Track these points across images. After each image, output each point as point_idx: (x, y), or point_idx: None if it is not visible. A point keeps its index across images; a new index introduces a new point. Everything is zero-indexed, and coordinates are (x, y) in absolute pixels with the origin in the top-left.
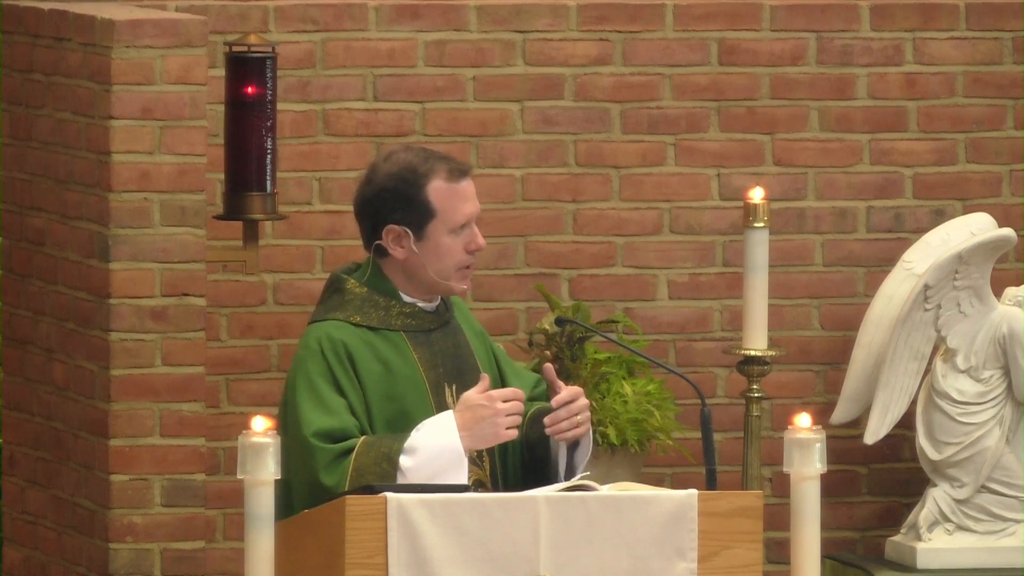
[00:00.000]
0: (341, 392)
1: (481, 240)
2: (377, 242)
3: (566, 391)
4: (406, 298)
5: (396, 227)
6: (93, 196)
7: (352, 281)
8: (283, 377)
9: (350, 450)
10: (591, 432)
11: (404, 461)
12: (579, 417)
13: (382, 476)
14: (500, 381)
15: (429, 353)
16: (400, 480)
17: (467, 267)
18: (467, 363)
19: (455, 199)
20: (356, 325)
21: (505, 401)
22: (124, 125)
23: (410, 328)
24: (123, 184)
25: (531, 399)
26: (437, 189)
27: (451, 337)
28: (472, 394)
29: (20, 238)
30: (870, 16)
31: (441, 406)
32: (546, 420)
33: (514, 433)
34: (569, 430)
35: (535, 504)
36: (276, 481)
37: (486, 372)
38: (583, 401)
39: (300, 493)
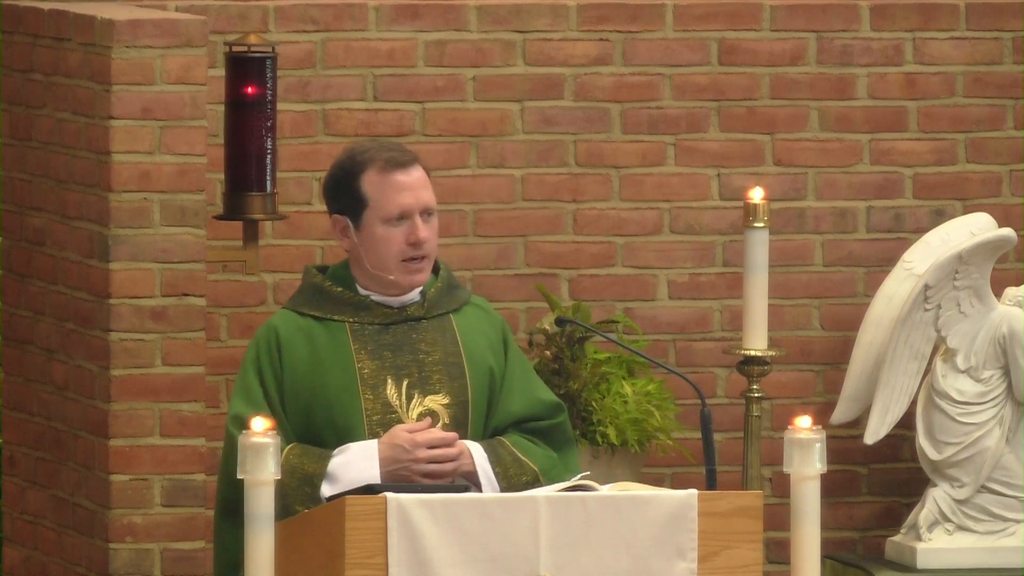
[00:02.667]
0: (262, 380)
1: (422, 232)
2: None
3: (440, 436)
4: (362, 291)
5: (340, 217)
6: (93, 196)
7: (315, 272)
8: None
9: None
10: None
11: (325, 489)
12: (449, 467)
13: (304, 500)
14: (491, 395)
15: (374, 345)
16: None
17: (412, 259)
18: (439, 362)
19: (388, 189)
20: (302, 315)
21: (432, 448)
22: (124, 125)
23: (359, 319)
24: (123, 184)
25: (524, 420)
26: (370, 179)
27: (423, 333)
28: (401, 432)
29: (20, 238)
30: (870, 16)
31: (377, 399)
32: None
33: (429, 482)
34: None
35: (535, 504)
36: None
37: (479, 378)
38: (457, 446)
39: (222, 470)
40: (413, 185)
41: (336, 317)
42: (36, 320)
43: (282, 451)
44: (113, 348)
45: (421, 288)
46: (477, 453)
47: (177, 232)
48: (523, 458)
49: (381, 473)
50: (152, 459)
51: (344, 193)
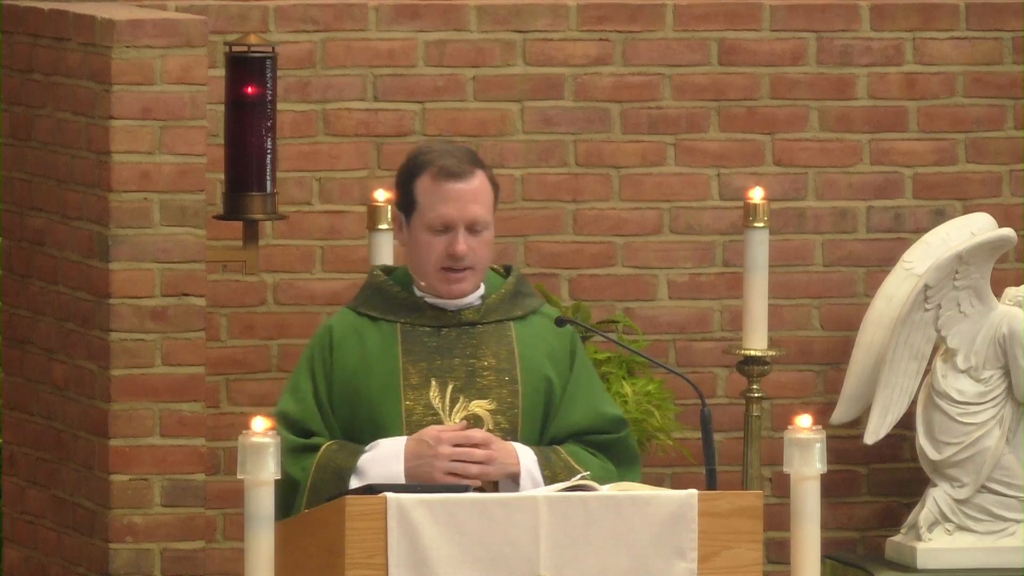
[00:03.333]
0: (313, 379)
1: (460, 246)
2: None
3: (466, 435)
4: (418, 292)
5: (397, 212)
6: (93, 196)
7: (378, 272)
8: (283, 377)
9: (313, 448)
10: (532, 473)
11: (353, 483)
12: (474, 469)
13: (334, 495)
14: (547, 406)
15: (422, 347)
16: None
17: (449, 270)
18: (490, 368)
19: (435, 198)
20: (360, 314)
21: (458, 446)
22: (124, 125)
23: (411, 321)
24: (123, 184)
25: (584, 432)
26: (423, 184)
27: (477, 338)
28: (431, 428)
29: (20, 238)
30: (870, 16)
31: (419, 401)
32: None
33: (453, 480)
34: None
35: (535, 504)
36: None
37: (533, 387)
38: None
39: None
40: (461, 197)
41: (389, 318)
42: (36, 320)
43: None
44: (113, 348)
45: (481, 293)
46: (525, 455)
47: (177, 232)
48: (576, 466)
49: (405, 469)
50: (152, 459)
51: (402, 191)
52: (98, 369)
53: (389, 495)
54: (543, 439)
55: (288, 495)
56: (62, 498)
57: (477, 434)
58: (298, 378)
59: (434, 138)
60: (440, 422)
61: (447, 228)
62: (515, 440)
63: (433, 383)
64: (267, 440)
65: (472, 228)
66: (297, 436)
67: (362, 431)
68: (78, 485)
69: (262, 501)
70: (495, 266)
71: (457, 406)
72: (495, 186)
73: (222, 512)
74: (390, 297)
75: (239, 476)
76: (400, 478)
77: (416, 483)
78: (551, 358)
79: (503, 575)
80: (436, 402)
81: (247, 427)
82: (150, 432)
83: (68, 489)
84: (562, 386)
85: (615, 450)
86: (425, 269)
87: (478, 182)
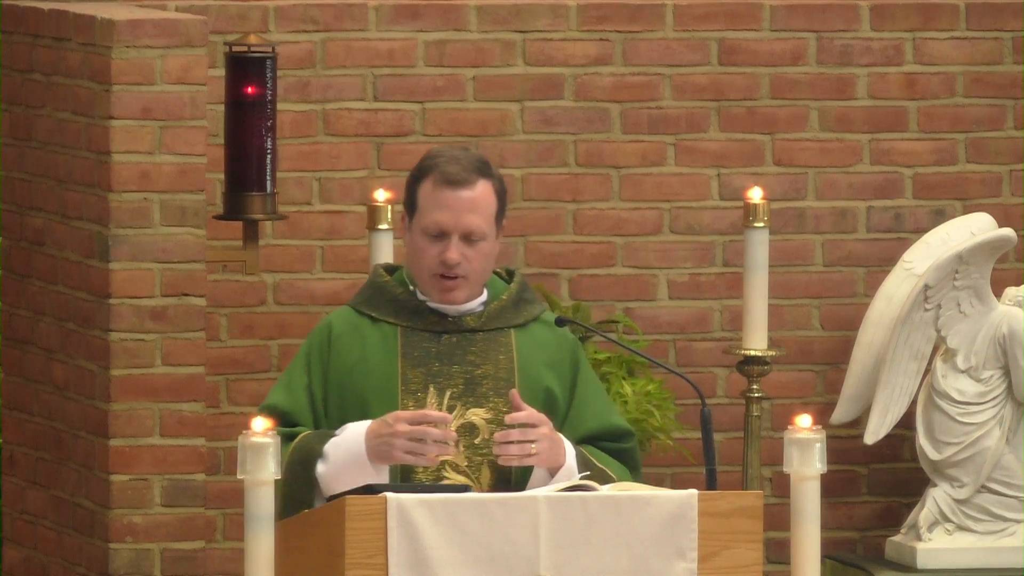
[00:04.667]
0: (308, 372)
1: (452, 254)
2: None
3: (527, 413)
4: (420, 295)
5: (404, 212)
6: (93, 196)
7: (380, 271)
8: None
9: (292, 437)
10: (573, 464)
11: (319, 467)
12: (533, 446)
13: (299, 482)
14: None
15: (422, 352)
16: (320, 484)
17: (441, 276)
18: (488, 376)
19: (433, 204)
20: (360, 313)
21: (414, 424)
22: (124, 125)
23: (412, 324)
24: (123, 184)
25: (596, 439)
26: (425, 187)
27: (476, 345)
28: (401, 426)
29: (20, 238)
30: (870, 16)
31: (416, 406)
32: (496, 436)
33: (411, 459)
34: (518, 455)
35: (535, 504)
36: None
37: (531, 396)
38: (543, 430)
39: None
40: (458, 206)
41: (390, 319)
42: (36, 320)
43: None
44: (113, 348)
45: (484, 300)
46: (570, 454)
47: (177, 232)
48: (604, 468)
49: (367, 448)
50: (152, 459)
51: (408, 191)
52: (98, 369)
53: (389, 495)
54: None
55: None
56: (62, 498)
57: (434, 413)
58: (292, 372)
59: (451, 143)
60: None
61: (442, 235)
62: None
63: (431, 389)
64: (267, 440)
65: (467, 238)
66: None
67: None
68: (78, 485)
69: (262, 501)
70: (498, 269)
71: (454, 413)
72: (501, 197)
73: (222, 512)
74: (392, 298)
75: (239, 476)
76: (363, 458)
77: (416, 483)
78: (552, 367)
79: (503, 575)
80: (430, 407)
81: (247, 427)
82: (150, 432)
83: (68, 489)
84: (566, 396)
85: (624, 459)
86: (420, 273)
87: (479, 192)
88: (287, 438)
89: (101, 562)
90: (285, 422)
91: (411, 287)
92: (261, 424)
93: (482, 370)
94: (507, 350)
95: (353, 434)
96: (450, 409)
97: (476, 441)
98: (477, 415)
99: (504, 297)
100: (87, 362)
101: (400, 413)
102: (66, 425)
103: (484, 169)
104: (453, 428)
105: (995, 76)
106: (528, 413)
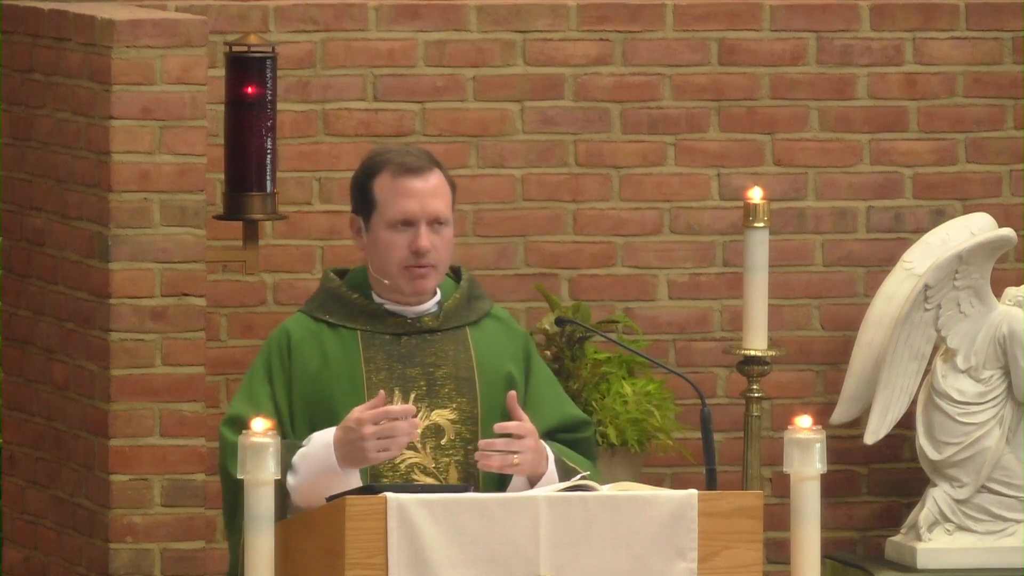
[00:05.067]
0: (271, 384)
1: (423, 241)
2: None
3: (515, 424)
4: (377, 299)
5: (355, 216)
6: (93, 196)
7: (332, 276)
8: None
9: None
10: (553, 472)
11: (290, 479)
12: (516, 457)
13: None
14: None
15: (384, 355)
16: (292, 496)
17: (414, 267)
18: (449, 376)
19: (395, 194)
20: (316, 319)
21: (376, 423)
22: (124, 125)
23: (371, 328)
24: (123, 184)
25: (554, 432)
26: (381, 182)
27: (435, 345)
28: (354, 411)
29: (20, 238)
30: (870, 16)
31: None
32: (480, 443)
33: (386, 455)
34: (498, 464)
35: (535, 504)
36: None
37: (491, 393)
38: (528, 442)
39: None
40: (422, 192)
41: (349, 324)
42: (36, 320)
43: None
44: (113, 348)
45: (438, 299)
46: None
47: (177, 232)
48: (573, 465)
49: (337, 457)
50: (152, 459)
51: (359, 193)
52: (98, 369)
53: (389, 495)
54: None
55: (235, 501)
56: (62, 498)
57: (395, 408)
58: (253, 381)
59: (388, 140)
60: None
61: (408, 223)
62: (476, 449)
63: (396, 392)
64: (267, 440)
65: (433, 224)
66: None
67: None
68: (78, 485)
69: (262, 501)
70: None
71: (419, 416)
72: (453, 186)
73: (222, 512)
74: (348, 303)
75: (239, 476)
76: (335, 468)
77: (417, 483)
78: (511, 361)
79: (503, 575)
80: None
81: (247, 427)
82: (150, 432)
83: (68, 489)
84: (521, 389)
85: (582, 449)
86: (388, 269)
87: (436, 179)
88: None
89: (101, 562)
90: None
91: (365, 290)
92: (261, 424)
93: (443, 371)
94: (465, 348)
95: (320, 443)
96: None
97: (442, 442)
98: (441, 416)
99: (457, 295)
100: (87, 362)
101: (360, 415)
102: (66, 425)
103: (434, 159)
104: (419, 431)
105: (995, 76)
106: (518, 425)
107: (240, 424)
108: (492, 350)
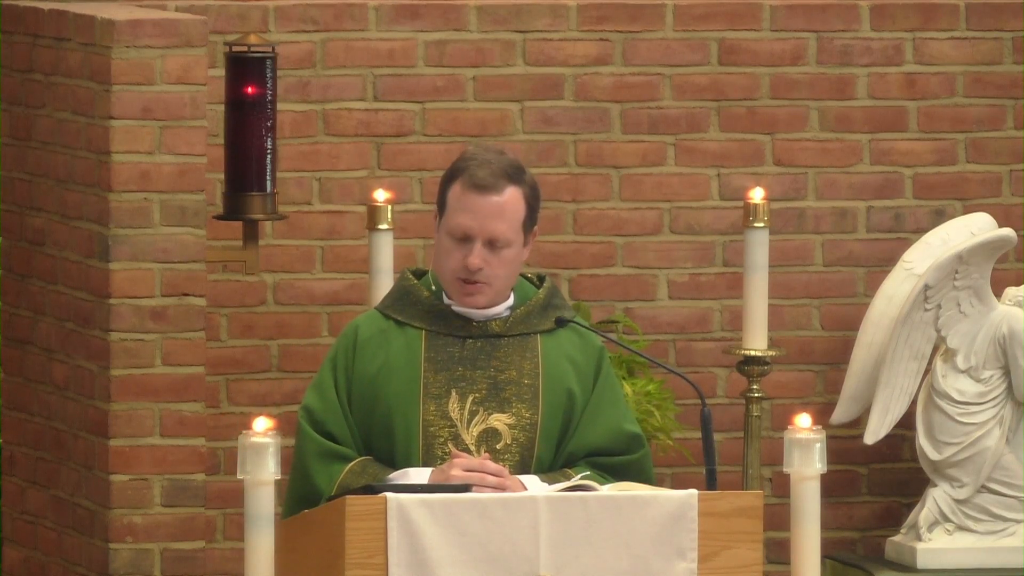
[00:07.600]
0: (335, 377)
1: (474, 259)
2: None
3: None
4: (446, 299)
5: (435, 208)
6: (93, 196)
7: (408, 275)
8: (283, 377)
9: (342, 457)
10: None
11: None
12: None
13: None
14: (566, 421)
15: (446, 356)
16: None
17: (465, 281)
18: (513, 382)
19: (459, 206)
20: (387, 316)
21: (470, 471)
22: (124, 125)
23: (437, 328)
24: (123, 184)
25: (599, 452)
26: (454, 189)
27: (501, 350)
28: (456, 471)
29: (20, 238)
30: (870, 16)
31: (438, 411)
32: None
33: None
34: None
35: (535, 504)
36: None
37: (555, 402)
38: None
39: (294, 464)
40: (484, 212)
41: (415, 323)
42: (36, 320)
43: (351, 461)
44: (113, 348)
45: (510, 304)
46: (534, 488)
47: (177, 232)
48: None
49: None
50: (152, 459)
51: (440, 191)
52: (98, 369)
53: (389, 495)
54: (559, 455)
55: (306, 499)
56: (62, 498)
57: (491, 465)
58: (323, 373)
59: (487, 144)
60: (457, 434)
61: (466, 239)
62: (531, 456)
63: (453, 394)
64: (267, 440)
65: (491, 244)
66: (321, 436)
67: (377, 435)
68: (78, 485)
69: (262, 501)
70: (529, 274)
71: (476, 418)
72: (532, 204)
73: (222, 512)
74: (418, 302)
75: (239, 476)
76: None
77: (416, 483)
78: (577, 374)
79: (503, 575)
80: (454, 413)
81: (247, 427)
82: (150, 432)
83: (68, 489)
84: (584, 402)
85: (628, 473)
86: (443, 275)
87: (507, 198)
88: (334, 457)
89: (101, 562)
90: (320, 429)
91: (437, 290)
92: (261, 424)
93: (506, 375)
94: (533, 355)
95: (415, 480)
96: (472, 414)
97: (498, 446)
98: (499, 420)
99: (532, 302)
100: (87, 362)
101: (458, 460)
102: (66, 425)
103: (515, 175)
104: (474, 433)
105: (995, 76)
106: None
107: (311, 417)
108: (561, 361)
